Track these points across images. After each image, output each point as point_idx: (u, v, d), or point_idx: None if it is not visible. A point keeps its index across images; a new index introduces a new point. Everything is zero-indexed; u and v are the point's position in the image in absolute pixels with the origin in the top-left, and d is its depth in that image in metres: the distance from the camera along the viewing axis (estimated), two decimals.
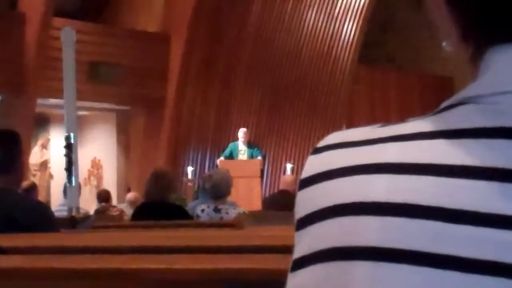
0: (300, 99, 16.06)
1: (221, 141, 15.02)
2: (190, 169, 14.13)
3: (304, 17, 15.94)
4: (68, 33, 6.32)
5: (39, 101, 13.11)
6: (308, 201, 0.65)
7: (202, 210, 6.16)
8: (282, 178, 11.23)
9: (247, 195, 12.65)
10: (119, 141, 15.69)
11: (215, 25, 14.91)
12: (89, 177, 15.65)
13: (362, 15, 16.27)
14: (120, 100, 14.46)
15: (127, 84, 14.13)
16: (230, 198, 6.66)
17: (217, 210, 6.14)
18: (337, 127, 15.28)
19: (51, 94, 12.25)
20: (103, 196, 11.01)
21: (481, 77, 0.61)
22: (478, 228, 0.56)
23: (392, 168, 0.60)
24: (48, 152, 14.83)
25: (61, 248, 2.61)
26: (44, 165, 14.65)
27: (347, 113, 16.54)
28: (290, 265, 0.65)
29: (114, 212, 9.25)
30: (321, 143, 0.67)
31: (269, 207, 9.23)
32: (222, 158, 14.16)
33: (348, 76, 16.53)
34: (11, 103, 12.78)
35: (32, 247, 2.65)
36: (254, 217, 6.66)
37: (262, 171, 14.49)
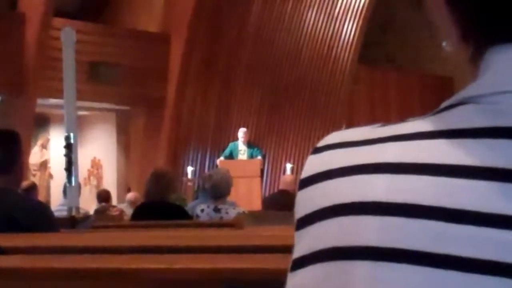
0: (300, 99, 16.06)
1: (221, 141, 15.02)
2: (190, 169, 14.13)
3: (304, 17, 15.94)
4: (68, 33, 6.33)
5: (39, 101, 13.11)
6: (308, 201, 0.65)
7: (202, 210, 6.16)
8: (282, 178, 11.23)
9: (247, 195, 12.65)
10: (119, 141, 15.69)
11: (215, 25, 14.91)
12: (89, 177, 15.65)
13: (362, 15, 16.27)
14: (120, 100, 14.46)
15: (127, 84, 14.13)
16: (230, 198, 6.66)
17: (217, 210, 6.14)
18: (337, 127, 15.27)
19: (51, 94, 12.25)
20: (103, 196, 11.01)
21: (481, 77, 0.61)
22: (478, 228, 0.56)
23: (392, 168, 0.60)
24: (48, 152, 14.83)
25: (61, 248, 2.61)
26: (44, 165, 14.65)
27: (347, 113, 16.54)
28: (290, 265, 0.65)
29: (114, 212, 9.25)
30: (321, 143, 0.67)
31: (269, 207, 9.24)
32: (222, 158, 14.16)
33: (348, 76, 16.53)
34: (11, 103, 12.78)
35: (32, 247, 2.65)
36: (254, 217, 6.67)
37: (262, 171, 14.49)
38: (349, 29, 16.35)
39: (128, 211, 8.76)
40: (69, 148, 5.82)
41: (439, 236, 0.56)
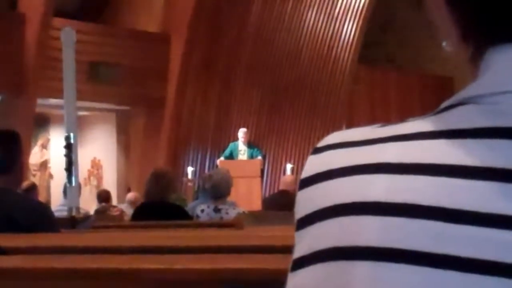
0: (300, 99, 16.06)
1: (221, 141, 15.02)
2: (190, 169, 14.13)
3: (304, 17, 15.94)
4: (68, 33, 6.33)
5: (39, 101, 13.11)
6: (308, 201, 0.65)
7: (202, 210, 6.16)
8: (282, 178, 11.24)
9: (247, 195, 12.64)
10: (119, 141, 15.69)
11: (215, 25, 14.91)
12: (89, 177, 15.65)
13: (362, 15, 16.27)
14: (120, 100, 14.46)
15: (127, 84, 14.13)
16: (230, 198, 6.66)
17: (217, 210, 6.14)
18: (337, 127, 15.27)
19: (51, 94, 12.25)
20: (103, 196, 11.01)
21: (481, 77, 0.61)
22: (478, 228, 0.56)
23: (392, 168, 0.60)
24: (48, 152, 14.83)
25: (61, 248, 2.61)
26: (44, 165, 14.65)
27: (347, 113, 16.54)
28: (290, 265, 0.65)
29: (114, 212, 9.25)
30: (321, 143, 0.67)
31: (269, 207, 9.24)
32: (222, 158, 14.16)
33: (348, 76, 16.53)
34: (11, 103, 12.78)
35: (32, 247, 2.65)
36: (254, 217, 6.67)
37: (262, 171, 14.49)
38: (349, 29, 16.35)
39: (128, 211, 8.76)
40: (69, 148, 5.82)
41: (439, 236, 0.56)
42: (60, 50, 6.41)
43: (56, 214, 5.01)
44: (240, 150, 14.33)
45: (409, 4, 17.14)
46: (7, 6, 13.43)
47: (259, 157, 14.26)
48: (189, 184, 13.96)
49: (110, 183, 15.24)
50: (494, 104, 0.59)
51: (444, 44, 0.65)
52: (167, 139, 14.66)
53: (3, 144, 3.65)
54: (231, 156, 14.22)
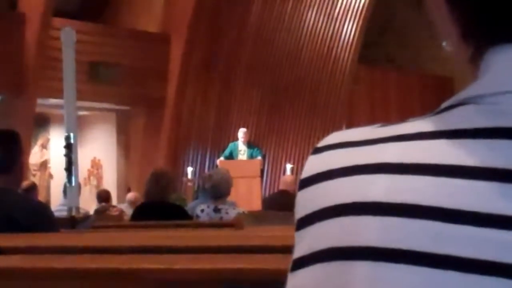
0: (300, 99, 16.06)
1: (221, 141, 15.02)
2: (190, 169, 14.13)
3: (304, 17, 15.94)
4: (68, 33, 6.32)
5: (39, 101, 13.11)
6: (308, 201, 0.65)
7: (202, 210, 6.16)
8: (282, 178, 11.24)
9: (247, 195, 12.64)
10: (119, 141, 15.70)
11: (215, 25, 14.91)
12: (89, 177, 15.65)
13: (362, 15, 16.27)
14: (120, 100, 14.46)
15: (127, 84, 14.14)
16: (230, 198, 6.66)
17: (217, 210, 6.14)
18: (337, 127, 15.28)
19: (51, 94, 12.25)
20: (103, 196, 11.01)
21: (481, 77, 0.61)
22: (478, 228, 0.55)
23: (392, 168, 0.60)
24: (48, 152, 14.83)
25: (61, 248, 2.61)
26: (44, 165, 14.65)
27: (347, 113, 16.55)
28: (290, 265, 0.65)
29: (114, 212, 9.25)
30: (321, 143, 0.67)
31: (269, 207, 9.24)
32: (222, 158, 14.16)
33: (348, 76, 16.53)
34: (11, 103, 12.78)
35: (31, 247, 2.65)
36: (254, 217, 6.67)
37: (262, 171, 14.49)
38: (349, 29, 16.35)
39: (128, 211, 8.76)
40: (69, 148, 5.81)
41: (439, 236, 0.56)
42: (60, 50, 6.41)
43: (56, 214, 5.01)
44: (240, 150, 14.33)
45: (409, 4, 17.14)
46: (7, 6, 13.43)
47: (259, 157, 14.26)
48: (189, 184, 13.97)
49: (110, 183, 15.24)
50: (494, 104, 0.59)
51: (444, 44, 0.65)
52: (167, 139, 14.66)
53: (3, 144, 3.65)
54: (231, 156, 14.22)
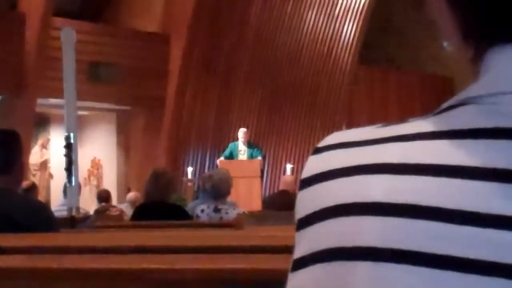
0: (300, 99, 16.06)
1: (221, 141, 15.02)
2: (190, 169, 14.13)
3: (304, 17, 15.95)
4: (68, 33, 6.32)
5: (39, 101, 13.11)
6: (308, 201, 0.65)
7: (202, 210, 6.16)
8: (282, 178, 11.24)
9: (247, 195, 12.65)
10: (119, 141, 15.70)
11: (215, 25, 14.91)
12: (89, 177, 15.65)
13: (362, 15, 16.28)
14: (120, 100, 14.47)
15: (127, 84, 14.14)
16: (230, 198, 6.66)
17: (217, 210, 6.14)
18: (337, 127, 15.28)
19: (51, 94, 12.26)
20: (103, 196, 11.01)
21: (482, 78, 0.61)
22: (478, 229, 0.55)
23: (393, 169, 0.60)
24: (48, 152, 14.83)
25: (61, 248, 2.61)
26: (44, 165, 14.65)
27: (347, 113, 16.55)
28: (290, 265, 0.65)
29: (114, 212, 9.25)
30: (322, 143, 0.67)
31: (269, 207, 9.23)
32: (222, 158, 14.16)
33: (348, 76, 16.53)
34: (11, 103, 12.78)
35: (32, 247, 2.65)
36: (254, 217, 6.67)
37: (262, 171, 14.49)
38: (349, 30, 16.35)
39: (128, 211, 8.76)
40: (69, 148, 5.81)
41: (439, 237, 0.56)
42: (60, 50, 6.40)
43: (56, 214, 5.01)
44: (240, 150, 14.33)
45: (408, 4, 17.15)
46: (7, 6, 13.43)
47: (259, 157, 14.26)
48: (189, 184, 13.97)
49: (110, 183, 15.24)
50: (494, 104, 0.59)
51: (445, 44, 0.65)
52: (167, 139, 14.66)
53: (3, 144, 3.65)
54: (231, 156, 14.22)
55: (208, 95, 15.04)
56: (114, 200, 12.76)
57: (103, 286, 2.15)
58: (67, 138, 5.84)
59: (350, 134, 0.66)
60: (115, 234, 4.08)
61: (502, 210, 0.55)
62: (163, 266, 2.01)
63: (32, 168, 14.17)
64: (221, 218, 6.07)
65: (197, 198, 9.54)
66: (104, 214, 9.09)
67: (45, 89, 12.55)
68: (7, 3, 13.45)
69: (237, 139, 14.51)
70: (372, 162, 0.61)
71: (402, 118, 0.67)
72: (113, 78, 13.96)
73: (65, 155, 5.82)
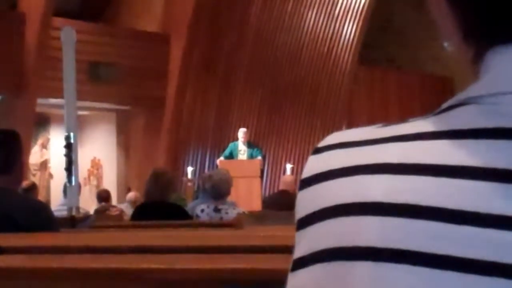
0: (300, 99, 16.06)
1: (221, 141, 15.02)
2: (190, 169, 14.13)
3: (304, 17, 15.95)
4: (68, 33, 6.33)
5: (39, 101, 13.11)
6: (308, 201, 0.65)
7: (202, 210, 6.16)
8: (282, 178, 11.24)
9: (247, 195, 12.65)
10: (119, 141, 15.70)
11: (215, 25, 14.91)
12: (89, 177, 15.65)
13: (362, 15, 16.28)
14: (120, 100, 14.47)
15: (127, 84, 14.14)
16: (230, 198, 6.66)
17: (217, 210, 6.14)
18: (337, 127, 15.28)
19: (51, 94, 12.26)
20: (103, 196, 11.01)
21: (482, 78, 0.61)
22: (478, 229, 0.55)
23: (393, 168, 0.60)
24: (48, 152, 14.83)
25: (61, 248, 2.61)
26: (44, 165, 14.65)
27: (347, 113, 16.55)
28: (290, 265, 0.65)
29: (114, 212, 9.25)
30: (322, 143, 0.67)
31: (269, 207, 9.24)
32: (222, 158, 14.16)
33: (348, 76, 16.53)
34: (11, 103, 12.78)
35: (32, 247, 2.65)
36: (254, 217, 6.67)
37: (262, 171, 14.49)
38: (349, 30, 16.35)
39: (128, 211, 8.76)
40: (69, 148, 5.82)
41: (439, 237, 0.56)
42: (60, 49, 6.41)
43: (56, 213, 5.01)
44: (240, 150, 14.33)
45: (409, 4, 17.15)
46: (7, 6, 13.43)
47: (259, 157, 14.27)
48: (189, 184, 13.97)
49: (110, 183, 15.24)
50: (495, 104, 0.59)
51: (445, 44, 0.65)
52: (167, 139, 14.66)
53: (3, 144, 3.65)
54: (231, 156, 14.23)
55: (208, 95, 15.04)
56: (114, 200, 12.77)
57: (103, 286, 2.15)
58: (67, 138, 5.85)
59: (350, 134, 0.66)
60: (115, 234, 4.08)
61: (502, 210, 0.55)
62: (163, 266, 2.01)
63: (32, 168, 14.17)
64: (221, 218, 6.07)
65: (197, 198, 9.53)
66: (104, 214, 9.10)
67: (45, 89, 12.55)
68: (7, 3, 13.45)
69: (237, 139, 14.52)
70: (372, 162, 0.61)
71: (402, 118, 0.67)
72: (113, 78, 13.96)
73: (65, 155, 5.83)
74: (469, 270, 0.55)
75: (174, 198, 7.18)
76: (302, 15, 15.90)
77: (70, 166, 5.80)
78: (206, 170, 14.06)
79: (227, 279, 1.93)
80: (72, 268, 2.15)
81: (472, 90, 0.61)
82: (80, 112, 13.06)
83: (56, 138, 14.22)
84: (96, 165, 15.78)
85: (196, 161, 14.89)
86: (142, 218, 5.82)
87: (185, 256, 2.26)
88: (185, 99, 14.79)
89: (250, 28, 15.40)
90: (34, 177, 13.85)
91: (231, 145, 14.48)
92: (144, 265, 2.05)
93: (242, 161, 14.08)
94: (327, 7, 16.08)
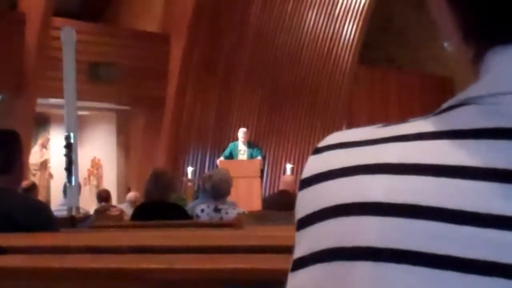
0: (300, 99, 16.06)
1: (221, 141, 15.02)
2: (190, 169, 14.13)
3: (304, 17, 15.95)
4: (68, 33, 6.33)
5: (39, 101, 13.11)
6: (308, 201, 0.65)
7: (202, 210, 6.16)
8: (282, 178, 11.24)
9: (247, 195, 12.65)
10: (119, 141, 15.70)
11: (215, 25, 14.91)
12: (89, 177, 15.65)
13: (362, 15, 16.28)
14: (120, 100, 14.47)
15: (127, 84, 14.14)
16: (230, 198, 6.66)
17: (217, 210, 6.14)
18: (337, 127, 15.29)
19: (51, 94, 12.26)
20: (103, 196, 11.01)
21: (482, 78, 0.61)
22: (478, 229, 0.55)
23: (393, 169, 0.60)
24: (48, 152, 14.84)
25: (61, 248, 2.61)
26: (44, 165, 14.65)
27: (347, 113, 16.55)
28: (290, 265, 0.65)
29: (114, 212, 9.25)
30: (322, 143, 0.67)
31: (269, 207, 9.23)
32: (222, 158, 14.17)
33: (348, 76, 16.54)
34: (11, 103, 12.78)
35: (32, 247, 2.65)
36: (254, 217, 6.67)
37: (262, 171, 14.49)
38: (349, 30, 16.35)
39: (128, 211, 8.76)
40: (69, 148, 5.82)
41: (439, 237, 0.56)
42: (60, 50, 6.41)
43: (56, 213, 5.01)
44: (240, 150, 14.33)
45: (409, 4, 17.15)
46: (7, 6, 13.43)
47: (259, 157, 14.27)
48: (189, 184, 13.97)
49: (110, 183, 15.24)
50: (495, 104, 0.59)
51: (446, 44, 0.65)
52: (167, 139, 14.66)
53: (3, 144, 3.65)
54: (231, 156, 14.23)
55: (208, 95, 15.04)
56: (114, 200, 12.77)
57: (103, 286, 2.15)
58: (67, 138, 5.85)
59: (350, 134, 0.66)
60: (115, 234, 4.08)
61: (503, 210, 0.55)
62: (163, 266, 2.01)
63: (32, 168, 14.17)
64: (221, 218, 6.07)
65: (197, 198, 9.53)
66: (104, 214, 9.10)
67: (45, 89, 12.55)
68: (7, 3, 13.45)
69: (237, 139, 14.52)
70: (372, 162, 0.61)
71: (402, 118, 0.67)
72: (113, 78, 13.96)
73: (65, 155, 5.83)
74: (469, 270, 0.55)
75: (174, 198, 7.18)
76: (302, 15, 15.90)
77: (70, 166, 5.80)
78: (206, 170, 14.06)
79: (227, 279, 1.93)
80: (72, 268, 2.15)
81: (472, 90, 0.61)
82: (80, 112, 13.06)
83: (56, 138, 14.22)
84: (96, 165, 15.78)
85: (196, 161, 14.89)
86: (142, 218, 5.82)
87: (185, 256, 2.26)
88: (185, 99, 14.79)
89: (250, 28, 15.40)
90: (34, 177, 13.85)
91: (231, 145, 14.49)
92: (144, 265, 2.05)
93: (242, 161, 14.08)
94: (327, 7, 16.08)
